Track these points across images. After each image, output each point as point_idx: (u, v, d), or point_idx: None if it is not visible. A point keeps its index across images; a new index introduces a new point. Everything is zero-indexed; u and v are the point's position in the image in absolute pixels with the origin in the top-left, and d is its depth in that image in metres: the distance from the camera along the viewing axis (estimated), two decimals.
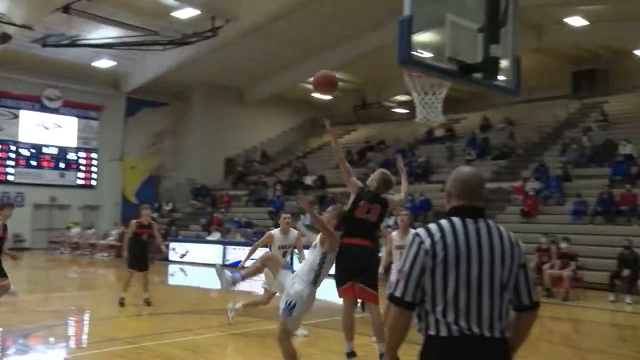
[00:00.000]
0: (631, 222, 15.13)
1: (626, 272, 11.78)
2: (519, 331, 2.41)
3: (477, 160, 21.67)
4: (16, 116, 25.75)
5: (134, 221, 10.32)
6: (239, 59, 26.08)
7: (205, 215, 24.23)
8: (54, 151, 26.71)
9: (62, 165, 26.93)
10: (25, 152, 25.94)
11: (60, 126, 26.84)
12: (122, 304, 10.04)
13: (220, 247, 19.64)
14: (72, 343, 7.94)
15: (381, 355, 5.54)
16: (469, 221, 2.34)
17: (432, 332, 2.31)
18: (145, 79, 26.55)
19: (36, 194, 25.74)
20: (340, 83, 30.49)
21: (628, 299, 11.70)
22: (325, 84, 5.54)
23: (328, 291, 6.04)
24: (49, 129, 26.49)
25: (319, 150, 30.48)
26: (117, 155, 28.13)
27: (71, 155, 27.23)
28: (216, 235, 21.40)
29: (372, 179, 6.05)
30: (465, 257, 2.27)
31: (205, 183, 28.12)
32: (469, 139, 23.18)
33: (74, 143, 27.29)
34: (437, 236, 2.31)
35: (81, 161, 27.51)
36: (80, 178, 27.43)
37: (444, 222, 2.36)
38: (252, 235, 20.56)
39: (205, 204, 26.55)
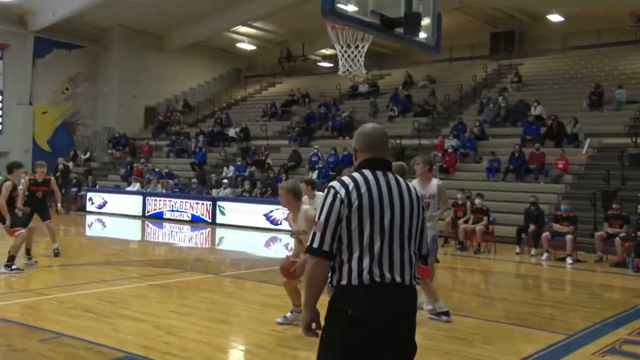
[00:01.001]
0: (539, 180, 16.05)
1: (532, 227, 12.51)
2: None
3: (399, 116, 22.11)
4: None
5: (26, 178, 9.94)
6: (160, 2, 24.98)
7: (125, 166, 23.48)
8: None
9: None
10: None
11: None
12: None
13: (140, 198, 19.16)
14: None
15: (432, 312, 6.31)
16: (379, 173, 2.43)
17: (344, 281, 2.34)
18: (56, 18, 24.89)
19: None
20: (264, 34, 30.51)
21: (532, 251, 12.36)
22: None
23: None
24: None
25: (243, 102, 30.03)
26: (25, 99, 26.43)
27: None
28: (136, 186, 20.83)
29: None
30: (378, 205, 2.35)
31: (124, 132, 27.11)
32: (392, 95, 23.54)
33: None
34: (351, 186, 2.37)
35: None
36: None
37: (356, 174, 2.43)
38: (174, 187, 20.21)
39: (124, 153, 25.67)
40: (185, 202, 18.07)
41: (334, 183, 2.41)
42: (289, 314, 5.96)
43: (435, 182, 6.65)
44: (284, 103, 26.51)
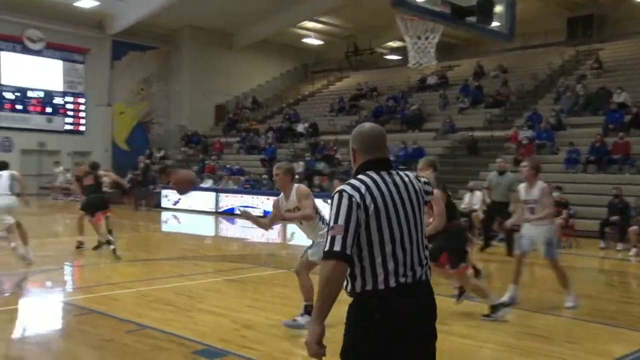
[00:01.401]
0: (623, 171, 15.26)
1: (615, 219, 11.95)
2: None
3: (470, 108, 21.60)
4: None
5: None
6: (228, 1, 25.48)
7: (197, 162, 24.17)
8: (40, 95, 26.28)
9: (49, 110, 26.56)
10: (9, 96, 25.49)
11: (45, 69, 26.30)
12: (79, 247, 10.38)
13: (212, 195, 19.66)
14: (69, 287, 8.04)
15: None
16: (383, 173, 2.41)
17: (369, 286, 2.31)
18: (130, 21, 25.95)
19: (24, 139, 25.48)
20: (331, 28, 30.41)
21: (619, 246, 11.87)
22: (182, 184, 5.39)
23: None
24: (33, 72, 25.94)
25: (311, 97, 30.22)
26: (105, 100, 27.76)
27: (58, 100, 26.82)
28: (209, 183, 21.39)
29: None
30: (392, 206, 2.34)
31: (196, 130, 27.93)
32: (463, 87, 23.00)
33: (60, 87, 26.84)
34: (363, 189, 2.33)
35: (69, 106, 27.12)
36: (68, 123, 27.12)
37: (363, 177, 2.39)
38: (245, 183, 20.62)
39: (196, 151, 26.44)
40: (257, 198, 18.40)
41: (345, 187, 2.35)
42: (299, 318, 5.52)
43: (539, 185, 6.59)
44: (352, 97, 26.47)
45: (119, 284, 7.77)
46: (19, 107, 25.68)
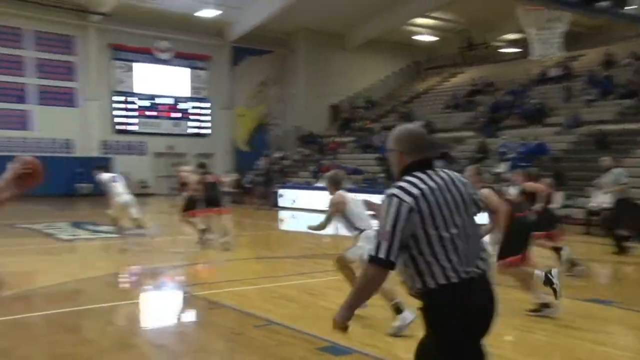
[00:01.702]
0: None
1: None
2: None
3: (599, 100, 20.15)
4: (131, 69, 27.25)
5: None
6: (340, 2, 25.68)
7: (314, 163, 24.61)
8: (169, 101, 28.11)
9: (176, 115, 28.33)
10: (142, 103, 27.51)
11: (172, 77, 28.10)
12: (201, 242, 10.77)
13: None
14: (199, 281, 8.48)
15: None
16: (431, 172, 2.48)
17: (442, 280, 2.37)
18: (248, 27, 27.02)
19: (155, 142, 27.41)
20: (443, 24, 29.60)
21: None
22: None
23: None
24: (162, 81, 27.81)
25: (424, 95, 29.72)
26: (227, 104, 29.17)
27: (184, 105, 28.54)
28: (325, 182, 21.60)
29: None
30: (444, 204, 2.41)
31: (311, 130, 28.50)
32: (589, 78, 21.52)
33: (187, 93, 28.53)
34: (415, 191, 2.39)
35: (194, 110, 28.77)
36: (193, 127, 28.78)
37: (412, 178, 2.44)
38: (362, 182, 20.63)
39: (313, 151, 26.95)
40: (374, 196, 18.30)
41: (396, 191, 2.40)
42: (399, 319, 5.20)
43: None
44: (467, 93, 25.71)
45: (244, 280, 8.01)
46: (150, 113, 27.68)
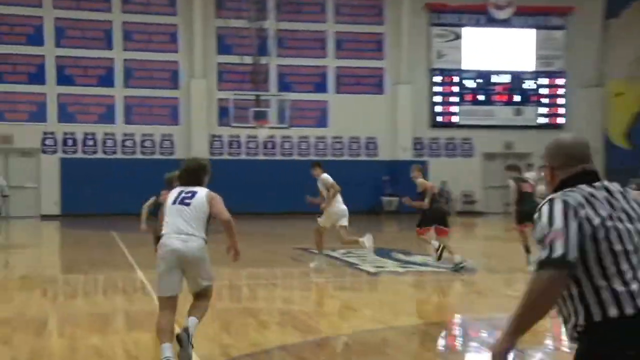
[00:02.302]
0: None
1: None
2: None
3: None
4: (457, 36, 27.52)
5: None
6: None
7: None
8: (506, 79, 27.62)
9: (516, 98, 27.68)
10: (470, 84, 27.55)
11: (512, 44, 27.60)
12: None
13: None
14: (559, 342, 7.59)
15: None
16: (597, 184, 2.86)
17: (613, 313, 2.60)
18: None
19: (486, 139, 27.24)
20: None
21: None
22: None
23: None
24: (496, 51, 27.51)
25: None
26: (594, 79, 27.34)
27: (529, 84, 27.76)
28: None
29: None
30: (617, 219, 2.74)
31: None
32: None
33: (531, 66, 27.74)
34: (581, 198, 2.76)
35: (542, 91, 27.79)
36: (542, 115, 27.75)
37: (574, 190, 2.82)
38: None
39: None
40: None
41: (556, 196, 2.80)
42: None
43: None
44: None
45: None
46: (480, 97, 27.53)
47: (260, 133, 23.89)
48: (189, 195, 5.85)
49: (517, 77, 27.75)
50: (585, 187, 2.78)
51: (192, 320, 5.70)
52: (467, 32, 27.55)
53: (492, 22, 27.46)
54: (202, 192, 5.89)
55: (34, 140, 25.24)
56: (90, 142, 25.80)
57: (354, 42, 27.33)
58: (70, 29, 25.78)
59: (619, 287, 2.57)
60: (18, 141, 25.11)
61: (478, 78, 27.59)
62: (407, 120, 27.22)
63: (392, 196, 25.27)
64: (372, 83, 27.57)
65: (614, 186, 2.85)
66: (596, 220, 2.65)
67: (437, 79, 27.69)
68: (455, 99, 27.66)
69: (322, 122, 27.23)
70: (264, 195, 24.18)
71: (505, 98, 27.72)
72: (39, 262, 14.70)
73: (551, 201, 2.75)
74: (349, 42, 27.31)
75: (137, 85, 26.04)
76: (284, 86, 26.39)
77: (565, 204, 2.69)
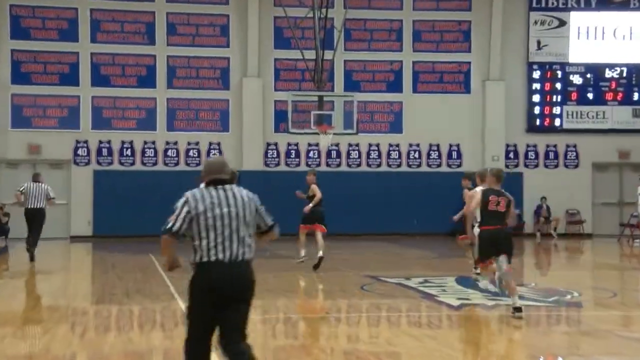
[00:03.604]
0: None
1: None
2: None
3: None
4: (562, 23, 27.27)
5: None
6: None
7: None
8: (622, 74, 27.19)
9: (635, 97, 27.28)
10: (577, 80, 27.20)
11: (630, 32, 27.33)
12: None
13: None
14: None
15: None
16: (211, 188, 5.86)
17: (205, 259, 5.67)
18: None
19: (596, 146, 26.81)
20: None
21: None
22: None
23: None
24: (612, 39, 27.19)
25: None
26: None
27: None
28: None
29: None
30: (217, 206, 5.76)
31: None
32: None
33: None
34: (198, 195, 5.79)
35: None
36: None
37: (196, 189, 5.89)
38: None
39: None
40: None
41: (188, 193, 5.90)
42: None
43: None
44: None
45: None
46: (589, 96, 27.22)
47: (323, 140, 23.79)
48: None
49: (635, 71, 27.24)
50: (204, 188, 5.84)
51: None
52: (574, 17, 27.26)
53: (606, 4, 27.11)
54: None
55: (65, 150, 25.89)
56: (128, 152, 26.27)
57: (434, 33, 27.38)
58: (106, 22, 26.40)
59: (209, 246, 5.64)
60: (46, 151, 25.77)
61: (587, 73, 27.25)
62: (499, 124, 27.05)
63: None
64: (456, 80, 27.51)
65: (231, 190, 5.83)
66: (201, 207, 5.67)
67: (536, 74, 27.45)
68: (558, 98, 27.36)
69: (395, 127, 27.21)
70: (326, 212, 24.23)
71: (620, 96, 27.25)
72: (67, 290, 15.04)
73: (182, 196, 5.78)
74: (428, 32, 27.37)
75: (182, 86, 26.46)
76: (351, 85, 26.53)
77: (186, 197, 5.74)
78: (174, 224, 5.61)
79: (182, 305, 11.03)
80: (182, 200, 5.69)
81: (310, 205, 16.33)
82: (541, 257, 22.07)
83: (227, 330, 5.58)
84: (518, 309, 10.60)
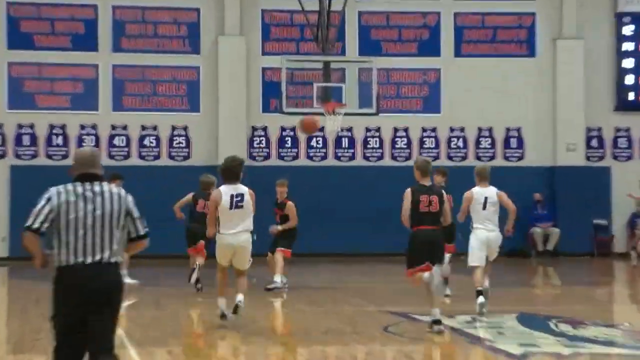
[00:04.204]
0: None
1: None
2: None
3: None
4: None
5: None
6: None
7: None
8: None
9: None
10: None
11: None
12: None
13: None
14: None
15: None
16: (79, 184, 6.85)
17: (65, 263, 6.62)
18: None
19: None
20: None
21: None
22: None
23: None
24: None
25: None
26: None
27: None
28: None
29: None
30: (82, 208, 6.76)
31: None
32: None
33: None
34: (62, 190, 6.79)
35: None
36: None
37: (61, 185, 6.86)
38: None
39: None
40: None
41: (52, 188, 6.92)
42: None
43: None
44: None
45: None
46: None
47: (330, 123, 23.44)
48: (239, 199, 12.94)
49: None
50: (72, 184, 6.77)
51: (241, 295, 12.22)
52: None
53: None
54: (246, 194, 13.05)
55: None
56: (59, 140, 26.14)
57: None
58: None
59: (69, 247, 6.56)
60: None
61: None
62: (576, 100, 27.01)
63: (548, 225, 25.12)
64: (516, 39, 27.63)
65: (104, 185, 6.80)
66: (64, 206, 6.56)
67: (628, 29, 27.47)
68: None
69: (430, 104, 27.31)
70: (335, 223, 24.19)
71: None
72: None
73: (46, 191, 6.65)
74: None
75: (133, 48, 26.37)
76: (369, 47, 26.46)
77: (50, 194, 6.64)
78: (34, 222, 6.53)
79: (134, 353, 11.02)
80: (45, 196, 6.65)
81: (279, 228, 17.82)
82: (638, 286, 22.06)
83: (92, 338, 6.51)
84: (437, 322, 12.59)
